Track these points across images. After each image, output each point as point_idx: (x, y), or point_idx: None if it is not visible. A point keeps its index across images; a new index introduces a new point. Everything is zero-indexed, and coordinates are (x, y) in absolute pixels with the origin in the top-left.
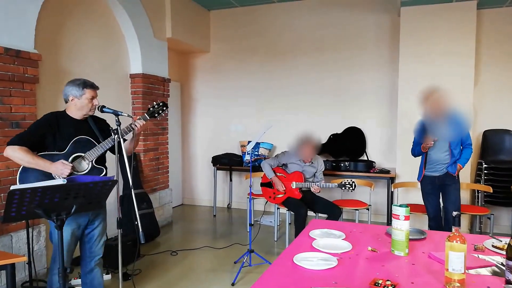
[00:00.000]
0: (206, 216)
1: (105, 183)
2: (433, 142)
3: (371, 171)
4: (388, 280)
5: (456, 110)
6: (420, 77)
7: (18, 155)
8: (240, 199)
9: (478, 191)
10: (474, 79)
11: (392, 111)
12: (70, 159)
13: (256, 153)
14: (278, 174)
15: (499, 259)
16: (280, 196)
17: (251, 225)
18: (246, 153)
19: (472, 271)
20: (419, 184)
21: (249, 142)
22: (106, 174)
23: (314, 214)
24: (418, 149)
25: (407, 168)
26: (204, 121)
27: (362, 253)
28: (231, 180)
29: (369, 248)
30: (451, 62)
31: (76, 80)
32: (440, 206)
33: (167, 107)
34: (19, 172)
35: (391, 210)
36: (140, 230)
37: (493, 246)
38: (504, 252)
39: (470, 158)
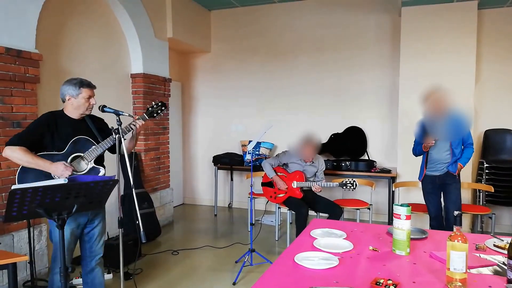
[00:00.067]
0: (207, 216)
1: (106, 182)
2: (434, 142)
3: (372, 170)
4: (389, 280)
5: (457, 110)
6: (421, 77)
7: (17, 155)
8: (241, 199)
9: (479, 190)
10: (475, 79)
11: (392, 111)
12: (70, 159)
13: (257, 152)
14: (279, 173)
15: (501, 259)
16: (281, 195)
17: (252, 224)
18: (247, 153)
19: (473, 271)
20: (420, 183)
21: (250, 141)
22: (105, 173)
23: (315, 214)
24: (419, 149)
25: (408, 168)
26: (205, 121)
27: (363, 253)
28: (232, 179)
29: (370, 248)
30: (452, 62)
31: (73, 80)
32: (441, 205)
33: (165, 107)
34: (17, 172)
35: (392, 210)
36: (141, 229)
37: (494, 245)
38: (505, 252)
39: (471, 157)
